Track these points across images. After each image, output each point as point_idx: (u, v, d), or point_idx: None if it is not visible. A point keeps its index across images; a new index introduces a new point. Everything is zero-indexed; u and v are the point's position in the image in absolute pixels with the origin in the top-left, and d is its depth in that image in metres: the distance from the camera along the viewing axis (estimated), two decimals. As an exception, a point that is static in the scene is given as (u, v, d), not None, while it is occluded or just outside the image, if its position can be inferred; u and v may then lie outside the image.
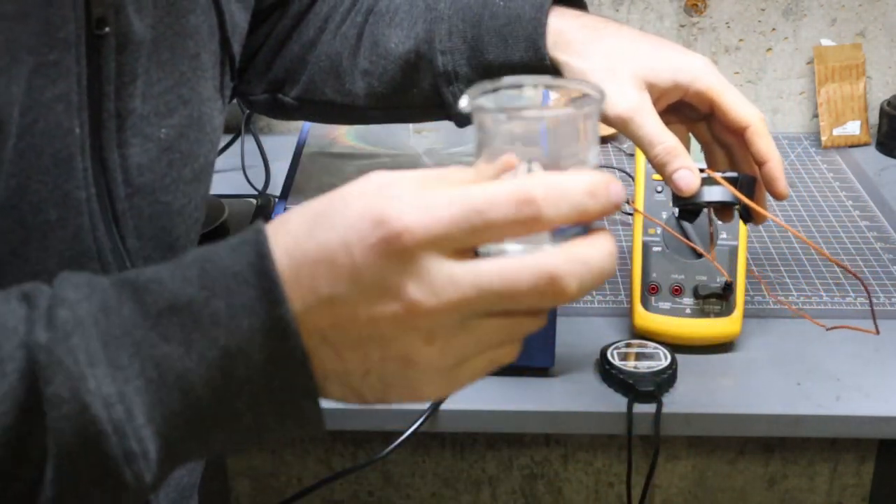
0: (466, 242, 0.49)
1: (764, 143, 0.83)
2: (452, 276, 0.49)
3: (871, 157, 1.53)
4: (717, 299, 1.06)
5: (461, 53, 0.92)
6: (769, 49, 1.58)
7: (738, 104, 0.84)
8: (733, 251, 1.07)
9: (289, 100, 1.01)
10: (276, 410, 0.51)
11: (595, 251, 0.49)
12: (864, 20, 1.56)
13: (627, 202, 1.35)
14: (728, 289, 1.05)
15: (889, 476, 1.09)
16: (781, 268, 1.24)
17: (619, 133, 1.56)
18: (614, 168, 1.48)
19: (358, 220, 0.49)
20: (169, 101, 0.72)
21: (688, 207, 0.85)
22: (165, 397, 0.50)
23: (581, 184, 0.49)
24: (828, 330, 0.95)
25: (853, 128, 1.56)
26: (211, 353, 0.50)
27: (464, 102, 0.54)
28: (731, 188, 0.80)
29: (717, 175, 0.81)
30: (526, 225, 0.48)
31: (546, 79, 0.56)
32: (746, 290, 1.12)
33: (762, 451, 1.09)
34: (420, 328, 0.50)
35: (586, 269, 0.49)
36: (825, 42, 1.57)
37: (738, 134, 0.85)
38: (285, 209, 1.08)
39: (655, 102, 0.84)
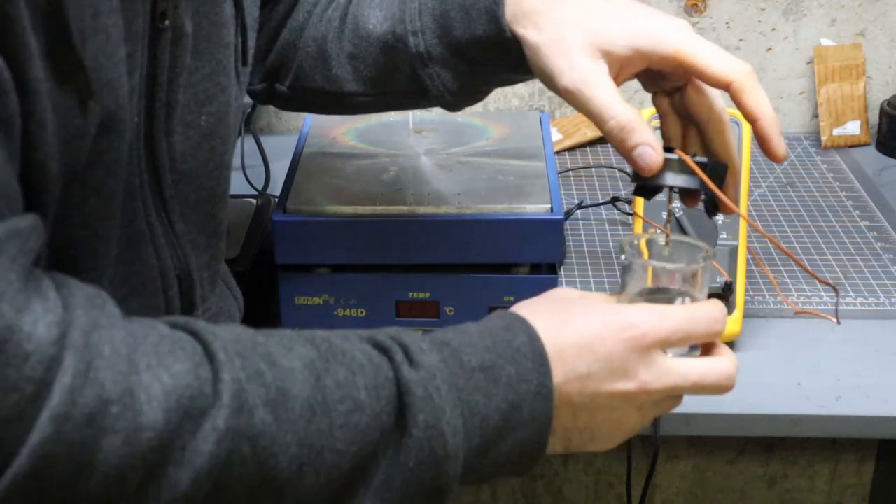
0: (676, 345, 0.69)
1: (751, 99, 0.74)
2: (670, 368, 0.69)
3: (871, 157, 1.53)
4: (717, 299, 1.06)
5: (432, 32, 0.89)
6: (769, 49, 1.58)
7: (714, 61, 0.74)
8: (733, 251, 1.07)
9: (283, 89, 0.99)
10: (516, 457, 0.66)
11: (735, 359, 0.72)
12: (864, 20, 1.56)
13: (628, 202, 1.35)
14: (728, 289, 1.05)
15: (889, 476, 1.09)
16: (781, 268, 1.24)
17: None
18: (614, 168, 1.48)
19: (609, 319, 0.68)
20: (208, 88, 0.74)
21: (647, 186, 0.77)
22: (470, 433, 0.63)
23: (723, 312, 0.72)
24: (795, 314, 0.97)
25: (853, 128, 1.56)
26: (503, 405, 0.64)
27: (624, 258, 0.73)
28: (701, 173, 0.73)
29: (687, 158, 0.73)
30: (711, 337, 0.71)
31: (673, 238, 0.76)
32: (746, 290, 1.12)
33: (762, 451, 1.09)
34: (639, 401, 0.69)
35: (737, 372, 0.72)
36: (825, 42, 1.57)
37: (711, 113, 0.78)
38: (285, 210, 1.08)
39: (618, 73, 0.78)
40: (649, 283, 0.74)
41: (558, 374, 0.66)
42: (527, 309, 0.70)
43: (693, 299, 0.74)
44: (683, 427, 1.01)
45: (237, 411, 0.56)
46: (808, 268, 0.80)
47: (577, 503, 1.14)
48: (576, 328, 0.67)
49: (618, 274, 0.78)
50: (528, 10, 0.82)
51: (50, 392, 0.51)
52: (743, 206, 1.09)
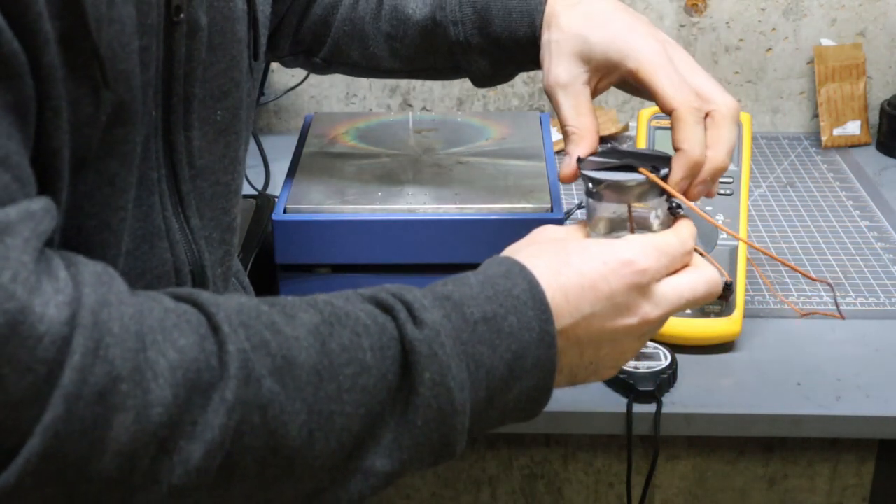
0: (669, 273, 0.72)
1: (681, 131, 0.78)
2: (666, 293, 0.71)
3: (871, 157, 1.53)
4: (718, 299, 1.05)
5: (472, 23, 0.95)
6: (769, 49, 1.58)
7: (667, 86, 0.79)
8: (733, 251, 1.07)
9: (318, 61, 1.06)
10: (522, 404, 0.66)
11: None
12: (864, 20, 1.56)
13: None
14: (728, 289, 1.05)
15: (889, 476, 1.09)
16: (781, 268, 1.24)
17: (619, 133, 1.57)
18: (614, 168, 1.48)
19: (607, 257, 0.69)
20: (223, 84, 0.75)
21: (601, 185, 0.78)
22: (476, 386, 0.63)
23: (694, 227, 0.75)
24: (798, 315, 0.95)
25: (853, 128, 1.56)
26: (507, 355, 0.64)
27: (592, 184, 0.76)
28: (655, 178, 0.76)
29: (650, 174, 0.76)
30: (685, 264, 0.73)
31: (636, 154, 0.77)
32: (746, 289, 1.12)
33: (762, 451, 1.09)
34: (640, 332, 0.71)
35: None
36: (825, 42, 1.57)
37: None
38: (285, 210, 1.08)
39: (599, 80, 0.85)
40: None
41: (564, 316, 0.67)
42: (523, 253, 0.70)
43: (660, 216, 0.77)
44: (683, 427, 1.01)
45: (245, 382, 0.56)
46: (796, 266, 0.82)
47: (577, 503, 1.14)
48: (578, 268, 0.68)
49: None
50: (549, 12, 0.89)
51: (62, 372, 0.52)
52: (743, 206, 1.09)
